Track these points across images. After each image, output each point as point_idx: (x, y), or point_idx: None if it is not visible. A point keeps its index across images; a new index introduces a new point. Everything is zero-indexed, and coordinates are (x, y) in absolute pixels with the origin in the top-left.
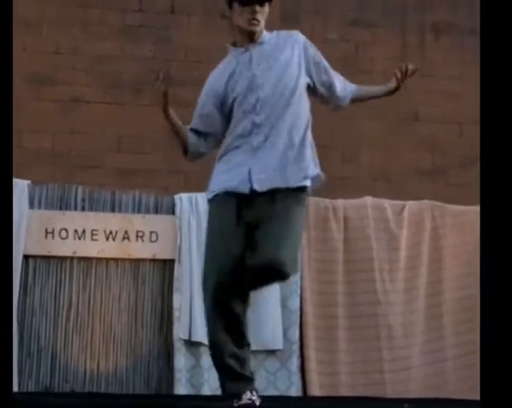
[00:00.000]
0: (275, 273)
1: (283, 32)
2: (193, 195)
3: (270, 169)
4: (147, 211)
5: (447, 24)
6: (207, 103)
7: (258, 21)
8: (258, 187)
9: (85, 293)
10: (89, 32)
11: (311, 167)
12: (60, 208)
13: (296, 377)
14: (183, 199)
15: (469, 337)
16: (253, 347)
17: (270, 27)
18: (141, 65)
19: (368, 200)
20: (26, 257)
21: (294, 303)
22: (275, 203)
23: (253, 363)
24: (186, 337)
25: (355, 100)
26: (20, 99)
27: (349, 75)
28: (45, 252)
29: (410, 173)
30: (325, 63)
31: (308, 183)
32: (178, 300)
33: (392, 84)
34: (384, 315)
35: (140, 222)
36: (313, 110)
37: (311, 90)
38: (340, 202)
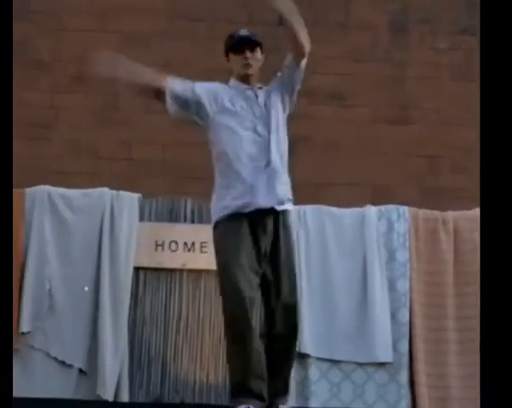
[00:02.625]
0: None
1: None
2: (301, 207)
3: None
4: None
5: None
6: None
7: (250, 65)
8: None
9: (195, 305)
10: (198, 45)
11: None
12: (170, 220)
13: (405, 390)
14: (292, 211)
15: None
16: (363, 359)
17: (378, 38)
18: None
19: (479, 211)
20: (137, 269)
21: (404, 316)
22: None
23: (363, 375)
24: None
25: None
26: (131, 112)
27: (458, 82)
28: (155, 264)
29: None
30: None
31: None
32: None
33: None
34: None
35: None
36: (421, 120)
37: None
38: (450, 214)
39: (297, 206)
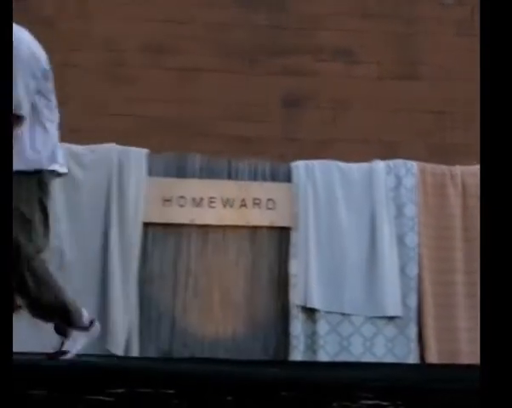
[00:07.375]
0: None
1: None
2: (310, 162)
3: None
4: (264, 178)
5: None
6: None
7: None
8: None
9: (203, 260)
10: (205, 1)
11: None
12: (178, 176)
13: (414, 344)
14: (299, 166)
15: None
16: (372, 313)
17: None
18: (256, 34)
19: None
20: (145, 225)
21: (412, 270)
22: None
23: (372, 329)
24: (302, 304)
25: None
26: (137, 68)
27: (464, 37)
28: (163, 220)
29: None
30: None
31: None
32: (294, 267)
33: None
34: None
35: (257, 189)
36: (427, 76)
37: None
38: (458, 169)
39: (305, 162)
